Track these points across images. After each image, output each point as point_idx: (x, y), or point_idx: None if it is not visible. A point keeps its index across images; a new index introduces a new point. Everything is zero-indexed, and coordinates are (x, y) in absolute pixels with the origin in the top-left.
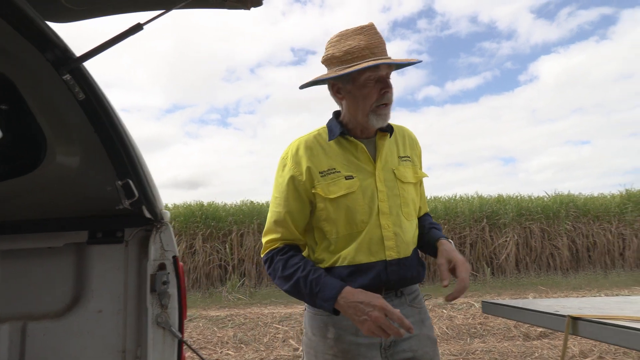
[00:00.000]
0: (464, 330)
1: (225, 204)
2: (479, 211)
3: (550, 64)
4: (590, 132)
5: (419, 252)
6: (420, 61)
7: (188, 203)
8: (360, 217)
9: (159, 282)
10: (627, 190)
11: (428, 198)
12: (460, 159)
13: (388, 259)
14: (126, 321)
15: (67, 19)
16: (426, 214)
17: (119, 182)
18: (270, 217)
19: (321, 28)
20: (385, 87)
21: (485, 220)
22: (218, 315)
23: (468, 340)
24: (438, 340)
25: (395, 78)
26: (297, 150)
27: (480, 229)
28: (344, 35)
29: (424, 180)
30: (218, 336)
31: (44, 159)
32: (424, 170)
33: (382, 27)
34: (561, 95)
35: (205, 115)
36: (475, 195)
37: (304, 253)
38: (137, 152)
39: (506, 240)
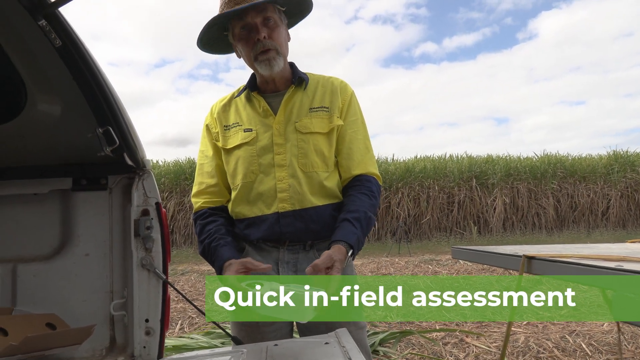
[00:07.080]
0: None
1: None
2: (467, 171)
3: (551, 20)
4: (586, 92)
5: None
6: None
7: (178, 160)
8: (250, 168)
9: (143, 227)
10: (614, 151)
11: (418, 157)
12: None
13: (280, 211)
14: (112, 264)
15: None
16: (357, 180)
17: (100, 130)
18: (197, 172)
19: None
20: (256, 34)
21: (474, 180)
22: (210, 270)
23: None
24: None
25: (391, 33)
26: (215, 106)
27: (469, 189)
28: None
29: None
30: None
31: (25, 107)
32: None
33: None
34: (559, 53)
35: (195, 71)
36: (465, 155)
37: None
38: (116, 99)
39: (494, 200)
